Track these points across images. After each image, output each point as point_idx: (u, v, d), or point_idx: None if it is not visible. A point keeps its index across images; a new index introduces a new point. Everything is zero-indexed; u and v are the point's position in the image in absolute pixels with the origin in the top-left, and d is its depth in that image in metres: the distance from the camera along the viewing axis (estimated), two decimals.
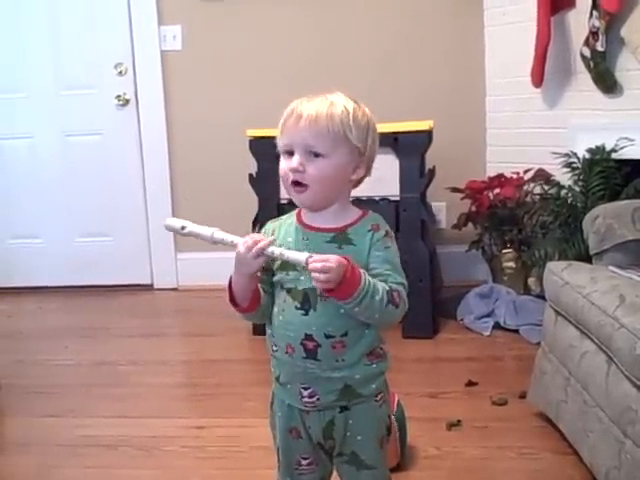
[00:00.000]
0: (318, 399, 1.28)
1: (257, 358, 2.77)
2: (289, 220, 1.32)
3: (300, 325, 1.23)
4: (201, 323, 3.42)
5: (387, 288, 1.21)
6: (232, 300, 1.27)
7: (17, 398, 2.56)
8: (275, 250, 1.18)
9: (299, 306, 1.24)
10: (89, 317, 3.60)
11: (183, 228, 1.25)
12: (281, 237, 1.29)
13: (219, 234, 1.22)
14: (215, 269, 3.71)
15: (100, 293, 3.94)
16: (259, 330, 2.92)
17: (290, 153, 1.23)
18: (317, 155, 1.21)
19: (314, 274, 1.12)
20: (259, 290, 1.27)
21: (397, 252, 1.28)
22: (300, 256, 1.16)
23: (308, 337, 1.24)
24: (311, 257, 1.14)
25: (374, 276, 1.22)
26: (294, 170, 1.21)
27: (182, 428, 2.28)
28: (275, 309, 1.29)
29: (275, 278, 1.28)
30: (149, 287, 4.03)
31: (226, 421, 2.31)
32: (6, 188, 3.98)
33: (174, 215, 3.89)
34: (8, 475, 2.05)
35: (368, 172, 1.29)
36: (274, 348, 1.31)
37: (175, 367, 2.93)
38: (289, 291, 1.25)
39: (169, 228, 1.27)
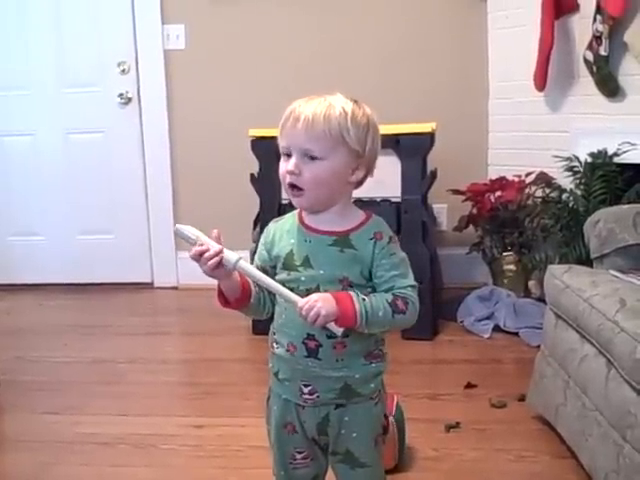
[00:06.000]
0: (318, 396, 1.29)
1: (257, 357, 2.75)
2: (290, 220, 1.32)
3: (302, 324, 1.23)
4: (201, 322, 3.41)
5: (390, 299, 1.22)
6: (220, 297, 1.28)
7: (16, 395, 2.56)
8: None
9: None
10: (89, 315, 3.60)
11: (195, 242, 1.20)
12: (284, 238, 1.29)
13: (245, 264, 1.21)
14: None
15: (100, 291, 3.94)
16: (259, 329, 2.93)
17: (289, 155, 1.23)
18: (314, 158, 1.21)
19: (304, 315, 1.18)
20: (248, 288, 1.28)
21: (403, 255, 1.28)
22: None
23: (310, 337, 1.25)
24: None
25: (380, 284, 1.24)
26: (290, 173, 1.22)
27: (181, 427, 2.28)
28: (277, 308, 1.31)
29: (277, 278, 1.28)
30: (149, 285, 4.03)
31: (225, 420, 2.31)
32: (7, 185, 3.99)
33: (175, 214, 3.89)
34: (6, 472, 2.05)
35: (369, 173, 1.28)
36: (275, 345, 1.33)
37: (174, 366, 2.93)
38: (291, 291, 1.24)
39: (180, 235, 1.22)
